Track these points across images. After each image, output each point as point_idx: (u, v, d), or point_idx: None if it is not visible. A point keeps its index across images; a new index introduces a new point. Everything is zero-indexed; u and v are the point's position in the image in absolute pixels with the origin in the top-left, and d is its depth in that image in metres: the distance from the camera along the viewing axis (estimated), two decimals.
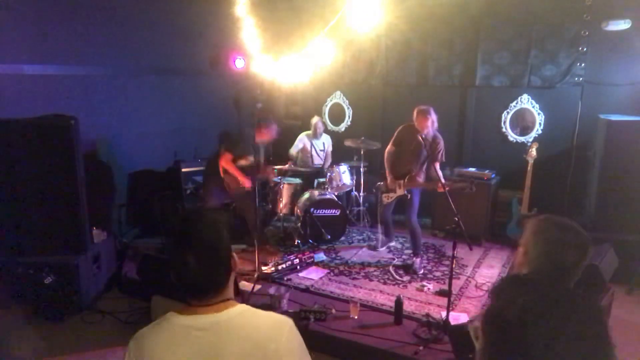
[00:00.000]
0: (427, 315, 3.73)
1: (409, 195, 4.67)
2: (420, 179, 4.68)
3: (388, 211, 5.08)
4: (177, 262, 1.24)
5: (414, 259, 4.80)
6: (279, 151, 6.37)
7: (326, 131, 6.51)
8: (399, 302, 3.65)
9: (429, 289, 4.27)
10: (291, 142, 6.31)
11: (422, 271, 4.71)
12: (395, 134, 4.76)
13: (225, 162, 4.72)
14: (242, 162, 4.79)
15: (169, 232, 1.33)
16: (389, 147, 4.82)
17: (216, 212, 1.34)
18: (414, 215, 4.72)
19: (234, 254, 1.31)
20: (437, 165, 4.46)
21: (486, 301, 4.07)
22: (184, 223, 1.28)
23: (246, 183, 4.73)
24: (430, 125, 4.42)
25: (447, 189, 3.92)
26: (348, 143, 5.93)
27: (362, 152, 5.75)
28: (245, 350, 1.20)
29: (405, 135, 4.64)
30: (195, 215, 1.30)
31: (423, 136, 4.33)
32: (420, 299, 4.10)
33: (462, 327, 3.22)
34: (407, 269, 4.75)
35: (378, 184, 5.07)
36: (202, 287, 1.25)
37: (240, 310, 1.27)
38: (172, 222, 1.35)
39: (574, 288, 1.01)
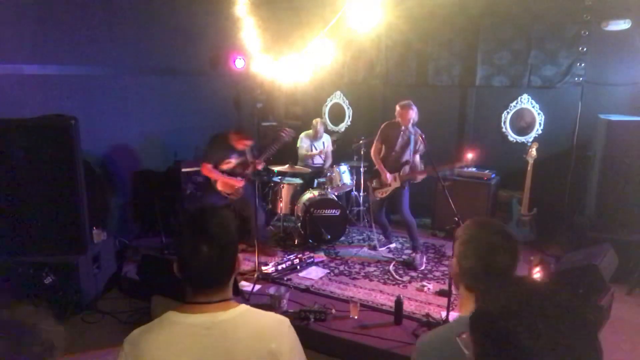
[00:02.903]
0: (427, 315, 3.73)
1: (405, 187, 4.83)
2: (407, 170, 4.89)
3: (381, 212, 5.14)
4: (188, 251, 1.25)
5: (414, 254, 4.82)
6: (278, 153, 6.36)
7: (326, 131, 6.51)
8: (399, 302, 3.65)
9: (429, 289, 4.27)
10: (290, 142, 6.29)
11: (423, 267, 4.73)
12: (379, 131, 4.89)
13: (206, 172, 4.61)
14: (224, 167, 4.68)
15: (184, 221, 1.36)
16: (374, 145, 4.95)
17: (228, 212, 1.37)
18: (406, 209, 4.86)
19: (239, 256, 1.34)
20: (417, 156, 4.82)
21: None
22: (201, 215, 1.32)
23: (237, 183, 4.69)
24: (413, 116, 4.65)
25: (445, 170, 4.63)
26: (352, 145, 5.94)
27: (362, 152, 5.75)
28: (251, 349, 1.22)
29: (390, 131, 4.81)
30: (212, 211, 1.34)
31: (410, 129, 4.67)
32: (420, 299, 4.10)
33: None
34: (409, 265, 4.77)
35: (369, 184, 5.10)
36: (208, 280, 1.27)
37: (242, 310, 1.29)
38: (188, 213, 1.39)
39: (571, 288, 1.01)
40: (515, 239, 1.42)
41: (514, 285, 0.86)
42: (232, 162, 4.68)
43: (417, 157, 4.85)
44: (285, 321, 1.34)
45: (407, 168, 4.87)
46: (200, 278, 1.27)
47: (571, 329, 0.76)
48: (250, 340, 1.23)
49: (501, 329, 0.77)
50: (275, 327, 1.30)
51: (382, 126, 4.89)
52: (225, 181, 4.67)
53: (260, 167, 4.99)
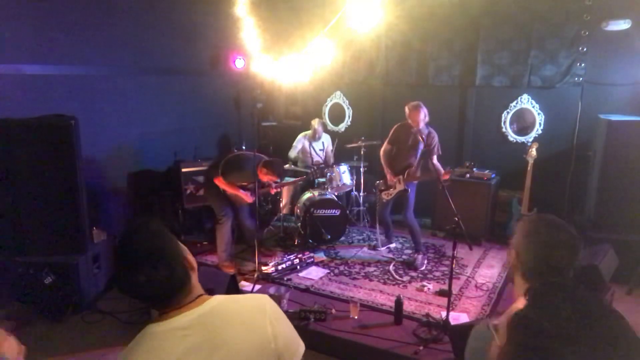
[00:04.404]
0: (427, 315, 3.73)
1: (408, 190, 4.79)
2: (418, 173, 4.82)
3: (386, 211, 5.12)
4: (128, 285, 1.19)
5: (416, 255, 4.83)
6: (278, 153, 6.37)
7: (326, 131, 6.51)
8: (399, 302, 3.65)
9: (429, 289, 4.27)
10: (291, 143, 6.31)
11: (424, 267, 4.73)
12: (391, 132, 4.88)
13: (220, 184, 4.52)
14: (240, 184, 4.63)
15: (115, 258, 1.28)
16: (384, 146, 4.94)
17: (150, 220, 1.27)
18: (410, 212, 4.85)
19: (188, 254, 1.28)
20: (435, 159, 4.67)
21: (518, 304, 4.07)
22: (121, 245, 1.23)
23: (247, 199, 4.63)
24: (423, 118, 4.59)
25: (448, 176, 4.46)
26: (349, 146, 5.92)
27: (362, 152, 5.75)
28: (242, 332, 1.21)
29: (401, 133, 4.79)
30: (129, 234, 1.24)
31: (423, 129, 4.60)
32: (420, 299, 4.10)
33: (462, 327, 3.22)
34: (409, 265, 4.78)
35: (376, 183, 5.10)
36: (163, 296, 1.22)
37: (218, 300, 1.27)
38: (115, 249, 1.32)
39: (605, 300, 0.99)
40: (577, 236, 1.43)
41: (576, 303, 0.82)
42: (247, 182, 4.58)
43: (435, 159, 4.68)
44: (263, 296, 1.33)
45: (411, 170, 4.79)
46: (155, 299, 1.23)
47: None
48: (236, 324, 1.22)
49: (552, 351, 0.76)
50: (257, 304, 1.29)
51: (395, 127, 4.86)
52: (237, 194, 4.60)
53: (273, 192, 5.14)
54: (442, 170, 4.49)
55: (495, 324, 0.93)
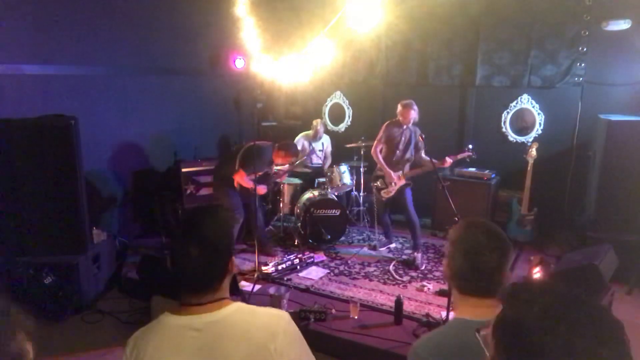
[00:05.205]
0: (427, 315, 3.73)
1: (410, 185, 4.91)
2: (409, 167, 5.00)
3: (385, 212, 5.14)
4: (179, 253, 1.25)
5: (415, 254, 4.84)
6: None
7: (326, 131, 6.52)
8: (399, 302, 3.65)
9: (429, 289, 4.27)
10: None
11: (424, 266, 4.74)
12: (382, 131, 4.92)
13: (239, 179, 4.53)
14: (257, 174, 4.59)
15: (178, 221, 1.33)
16: (376, 144, 4.96)
17: (228, 213, 1.35)
18: (411, 207, 4.93)
19: (234, 258, 1.32)
20: (423, 153, 4.88)
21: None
22: (195, 215, 1.30)
23: (261, 191, 4.63)
24: (414, 116, 4.74)
25: (450, 163, 4.72)
26: (349, 146, 5.92)
27: (362, 152, 5.75)
28: (243, 349, 1.19)
29: (392, 130, 4.85)
30: (208, 211, 1.31)
31: (410, 127, 4.80)
32: (420, 299, 4.10)
33: None
34: (409, 264, 4.78)
35: (373, 185, 5.11)
36: (199, 282, 1.25)
37: (235, 309, 1.26)
38: (183, 214, 1.35)
39: (575, 289, 0.98)
40: (503, 238, 1.40)
41: (548, 294, 0.82)
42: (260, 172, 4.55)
43: (423, 153, 4.90)
44: (282, 317, 1.28)
45: (408, 166, 4.92)
46: (190, 281, 1.26)
47: (609, 351, 0.74)
48: (244, 340, 1.20)
49: (534, 343, 0.76)
50: (272, 324, 1.25)
51: (384, 126, 4.91)
52: (251, 187, 4.56)
53: (283, 179, 5.24)
54: (436, 161, 4.45)
55: (484, 334, 0.92)
